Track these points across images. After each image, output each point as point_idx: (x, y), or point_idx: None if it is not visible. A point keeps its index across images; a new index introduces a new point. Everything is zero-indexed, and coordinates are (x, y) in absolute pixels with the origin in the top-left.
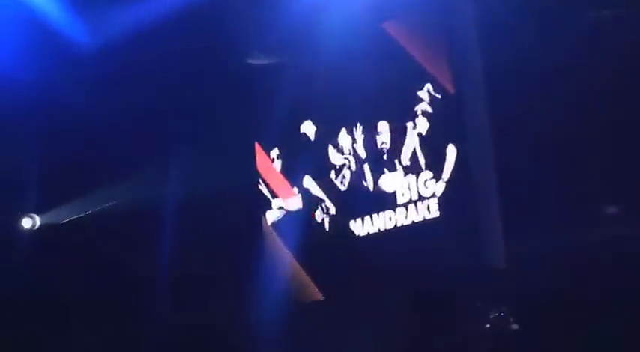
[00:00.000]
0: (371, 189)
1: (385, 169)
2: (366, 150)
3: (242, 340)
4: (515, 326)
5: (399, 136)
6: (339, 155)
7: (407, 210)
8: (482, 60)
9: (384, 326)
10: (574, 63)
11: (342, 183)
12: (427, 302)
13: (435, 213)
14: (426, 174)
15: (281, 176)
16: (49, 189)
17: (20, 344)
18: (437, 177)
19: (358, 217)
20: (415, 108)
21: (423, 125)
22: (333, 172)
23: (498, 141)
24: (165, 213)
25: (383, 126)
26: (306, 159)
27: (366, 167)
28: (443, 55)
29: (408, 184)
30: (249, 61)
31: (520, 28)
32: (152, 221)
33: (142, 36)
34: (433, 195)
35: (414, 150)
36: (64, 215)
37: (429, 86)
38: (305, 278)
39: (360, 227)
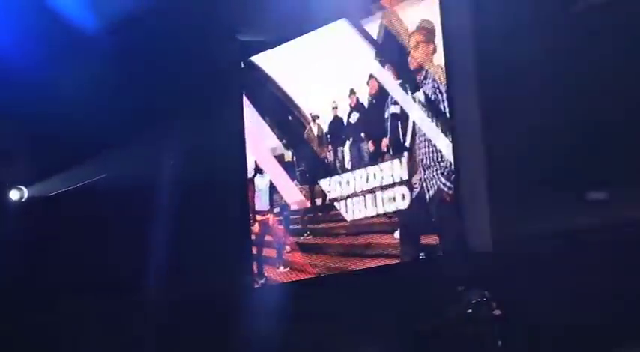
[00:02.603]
0: (362, 174)
1: (377, 157)
2: (357, 136)
3: (234, 317)
4: (497, 312)
5: (392, 125)
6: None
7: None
8: (474, 49)
9: (366, 308)
10: (566, 51)
11: (328, 161)
12: (409, 285)
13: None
14: (415, 157)
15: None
16: (37, 161)
17: (6, 318)
18: (426, 160)
19: (349, 198)
20: (409, 98)
21: (416, 114)
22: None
23: (487, 125)
24: (155, 186)
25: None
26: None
27: (357, 149)
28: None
29: (395, 167)
30: (239, 37)
31: (515, 15)
32: (142, 194)
33: (134, 13)
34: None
35: (407, 137)
36: (52, 187)
37: (422, 74)
38: (298, 254)
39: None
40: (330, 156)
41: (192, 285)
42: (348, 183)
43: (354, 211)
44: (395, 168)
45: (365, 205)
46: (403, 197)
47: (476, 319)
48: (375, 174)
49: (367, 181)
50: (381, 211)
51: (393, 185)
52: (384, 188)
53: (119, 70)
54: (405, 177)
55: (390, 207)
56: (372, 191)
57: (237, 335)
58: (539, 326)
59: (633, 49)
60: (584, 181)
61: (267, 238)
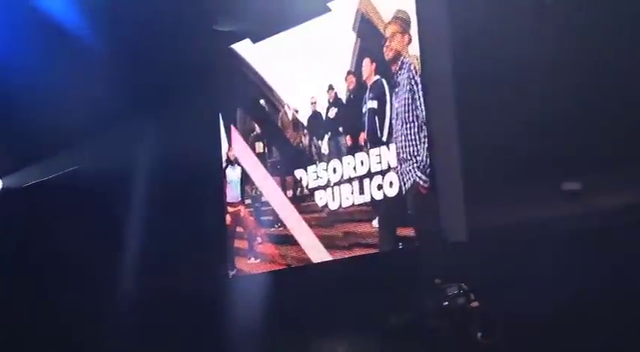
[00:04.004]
0: (340, 164)
1: (355, 151)
2: (336, 131)
3: (207, 308)
4: (475, 304)
5: (369, 119)
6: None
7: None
8: (449, 40)
9: (342, 303)
10: (541, 42)
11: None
12: (384, 277)
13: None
14: (392, 147)
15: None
16: (12, 151)
17: None
18: (402, 154)
19: (328, 187)
20: (386, 91)
21: (392, 108)
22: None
23: (462, 116)
24: (129, 177)
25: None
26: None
27: (335, 143)
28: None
29: (374, 157)
30: (215, 27)
31: (490, 5)
32: (117, 185)
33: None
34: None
35: (384, 131)
36: (27, 178)
37: (398, 64)
38: (269, 246)
39: (330, 197)
40: (306, 142)
41: (167, 277)
42: (334, 171)
43: (334, 200)
44: (383, 156)
45: (347, 194)
46: (391, 184)
47: (454, 311)
48: (362, 161)
49: (355, 169)
50: (361, 200)
51: (381, 172)
52: (370, 176)
53: (95, 61)
54: (394, 163)
55: (377, 195)
56: (353, 180)
57: (209, 326)
58: (516, 316)
59: (606, 41)
60: (557, 172)
61: (239, 229)
